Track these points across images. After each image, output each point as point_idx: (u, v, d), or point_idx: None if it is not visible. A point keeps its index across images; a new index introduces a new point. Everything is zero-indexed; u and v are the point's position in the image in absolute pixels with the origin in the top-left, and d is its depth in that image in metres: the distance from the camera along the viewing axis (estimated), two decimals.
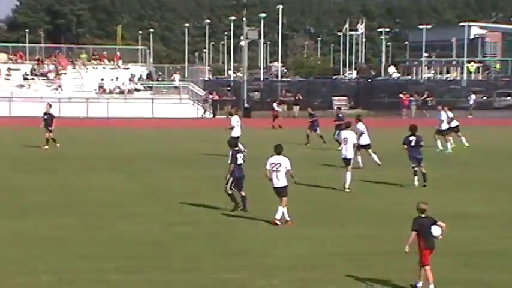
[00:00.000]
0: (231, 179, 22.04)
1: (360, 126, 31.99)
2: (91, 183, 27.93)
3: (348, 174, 26.27)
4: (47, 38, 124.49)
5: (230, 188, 22.13)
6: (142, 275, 15.63)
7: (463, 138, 40.76)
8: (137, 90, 74.23)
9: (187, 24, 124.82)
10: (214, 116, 70.57)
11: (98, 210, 22.64)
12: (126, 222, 20.85)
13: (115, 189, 26.52)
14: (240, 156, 22.21)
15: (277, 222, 20.41)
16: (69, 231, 19.64)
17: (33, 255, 16.98)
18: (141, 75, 76.29)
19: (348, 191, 26.03)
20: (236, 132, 35.12)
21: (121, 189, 26.70)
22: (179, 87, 76.16)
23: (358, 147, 30.54)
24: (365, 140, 31.93)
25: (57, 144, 38.67)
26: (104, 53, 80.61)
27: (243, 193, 22.23)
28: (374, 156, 32.02)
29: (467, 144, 40.59)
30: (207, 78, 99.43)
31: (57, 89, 72.42)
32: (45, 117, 39.07)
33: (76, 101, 69.22)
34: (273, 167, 20.56)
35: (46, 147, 38.38)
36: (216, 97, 74.15)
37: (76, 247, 17.87)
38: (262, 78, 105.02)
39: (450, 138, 39.76)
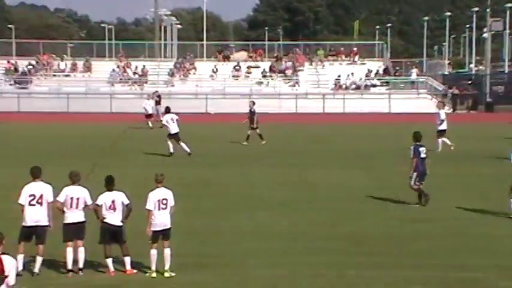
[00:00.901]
0: (415, 173, 21.95)
1: (442, 113, 35.48)
2: (327, 178, 28.03)
3: None
4: (285, 35, 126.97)
5: (415, 183, 22.01)
6: (379, 271, 15.42)
7: None
8: (373, 85, 73.81)
9: (426, 18, 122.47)
10: (454, 110, 68.67)
11: (335, 205, 22.69)
12: (363, 218, 20.76)
13: (351, 185, 26.45)
14: (422, 150, 22.06)
15: None
16: (308, 225, 19.82)
17: (273, 248, 17.22)
18: (377, 71, 75.79)
19: None
20: (443, 126, 36.20)
21: (357, 184, 26.57)
22: (417, 82, 74.84)
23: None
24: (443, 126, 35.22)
25: (263, 141, 38.75)
26: (342, 48, 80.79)
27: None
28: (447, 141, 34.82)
29: None
30: (446, 72, 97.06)
31: (294, 86, 73.58)
32: (249, 114, 39.45)
33: (312, 97, 70.01)
34: None
35: (245, 143, 38.67)
36: (456, 91, 72.15)
37: (314, 241, 17.98)
38: (506, 71, 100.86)
39: None
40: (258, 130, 39.21)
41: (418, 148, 22.08)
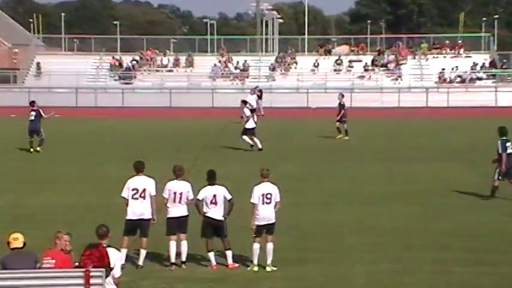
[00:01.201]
0: (501, 169, 21.72)
1: None
2: (429, 172, 27.67)
3: None
4: (388, 28, 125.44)
5: (498, 178, 21.77)
6: (486, 267, 15.13)
7: None
8: (479, 79, 72.22)
9: None
10: None
11: (437, 199, 22.40)
12: (466, 213, 20.40)
13: (454, 179, 26.02)
14: (508, 145, 21.84)
15: None
16: (409, 220, 19.62)
17: (375, 243, 17.10)
18: (483, 63, 74.11)
19: None
20: None
21: (460, 179, 26.10)
22: None
23: None
24: None
25: (346, 137, 38.21)
26: (446, 41, 79.32)
27: None
28: None
29: None
30: None
31: (396, 79, 72.71)
32: (339, 107, 38.94)
33: (415, 91, 69.03)
34: None
35: (339, 137, 38.15)
36: None
37: (417, 236, 17.78)
38: None
39: None
40: (337, 124, 38.60)
41: (505, 143, 21.87)
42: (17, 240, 11.74)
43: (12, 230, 12.36)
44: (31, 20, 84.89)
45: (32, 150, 32.63)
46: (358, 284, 14.40)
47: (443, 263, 15.46)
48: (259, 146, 33.45)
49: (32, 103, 34.07)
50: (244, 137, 33.65)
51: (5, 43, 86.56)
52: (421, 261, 15.57)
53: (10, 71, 73.59)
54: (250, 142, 33.55)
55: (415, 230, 18.47)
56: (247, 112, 34.09)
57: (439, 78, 71.86)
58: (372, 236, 17.86)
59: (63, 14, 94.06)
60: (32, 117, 32.91)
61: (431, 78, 72.17)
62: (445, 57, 75.82)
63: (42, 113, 33.24)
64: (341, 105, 38.89)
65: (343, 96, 39.85)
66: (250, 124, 33.79)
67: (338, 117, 38.44)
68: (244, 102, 34.91)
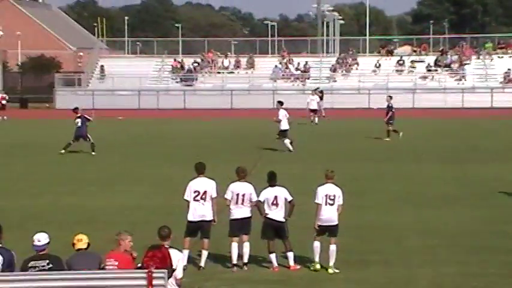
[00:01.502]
0: None
1: None
2: (493, 174, 27.21)
3: None
4: (451, 28, 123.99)
5: None
6: None
7: None
8: None
9: None
10: None
11: (501, 201, 22.03)
12: None
13: None
14: None
15: None
16: (473, 222, 19.38)
17: (439, 246, 16.92)
18: None
19: None
20: None
21: None
22: None
23: None
24: None
25: (400, 134, 37.82)
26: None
27: None
28: None
29: None
30: None
31: (460, 80, 71.79)
32: (387, 109, 38.53)
33: (480, 92, 68.11)
34: None
35: (387, 139, 37.72)
36: None
37: (482, 239, 17.54)
38: None
39: None
40: (387, 126, 38.29)
41: None
42: (81, 241, 11.87)
43: (76, 231, 12.49)
44: (95, 24, 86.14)
45: (63, 151, 33.03)
46: (421, 286, 14.21)
47: (510, 267, 15.16)
48: (290, 148, 33.38)
49: (76, 109, 34.37)
50: (286, 141, 33.58)
51: (71, 47, 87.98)
52: (487, 264, 15.30)
53: (75, 74, 74.84)
54: (290, 147, 33.44)
55: (480, 232, 18.17)
56: (281, 114, 33.97)
57: (504, 78, 70.74)
58: (436, 238, 17.62)
59: (126, 18, 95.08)
60: (79, 124, 33.40)
61: (497, 78, 71.07)
62: (510, 57, 74.63)
63: (89, 117, 33.83)
64: (389, 107, 38.75)
65: (391, 98, 39.89)
66: (285, 126, 33.78)
67: (386, 119, 38.35)
68: (281, 103, 34.81)
